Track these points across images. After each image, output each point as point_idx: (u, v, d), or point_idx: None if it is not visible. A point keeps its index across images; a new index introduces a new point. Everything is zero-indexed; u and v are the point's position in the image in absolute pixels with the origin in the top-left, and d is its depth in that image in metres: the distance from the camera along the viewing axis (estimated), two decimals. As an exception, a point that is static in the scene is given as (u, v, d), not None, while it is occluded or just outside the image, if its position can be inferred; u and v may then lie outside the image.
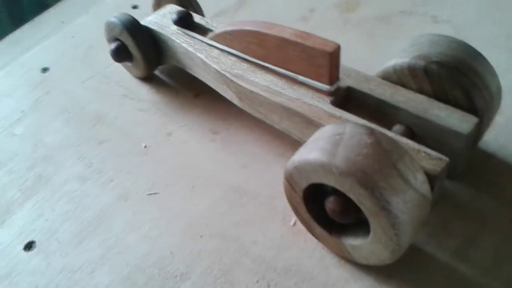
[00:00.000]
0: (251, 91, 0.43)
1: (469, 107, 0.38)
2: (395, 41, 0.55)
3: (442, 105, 0.38)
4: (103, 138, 0.49)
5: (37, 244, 0.41)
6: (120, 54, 0.51)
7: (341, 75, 0.42)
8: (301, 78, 0.42)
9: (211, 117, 0.50)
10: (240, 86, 0.44)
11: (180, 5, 0.54)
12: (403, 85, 0.41)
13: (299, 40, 0.40)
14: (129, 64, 0.54)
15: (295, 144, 0.39)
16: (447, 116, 0.38)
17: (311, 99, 0.41)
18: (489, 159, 0.44)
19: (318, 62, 0.39)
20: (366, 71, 0.42)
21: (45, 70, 0.58)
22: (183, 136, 0.49)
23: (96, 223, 0.42)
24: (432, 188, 0.34)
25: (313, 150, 0.34)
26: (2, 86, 0.57)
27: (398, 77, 0.41)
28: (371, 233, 0.33)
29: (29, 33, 0.66)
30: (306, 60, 0.40)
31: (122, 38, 0.51)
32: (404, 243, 0.33)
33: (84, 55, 0.60)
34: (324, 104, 0.40)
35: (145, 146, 0.48)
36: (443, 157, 0.35)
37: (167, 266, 0.39)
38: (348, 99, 0.42)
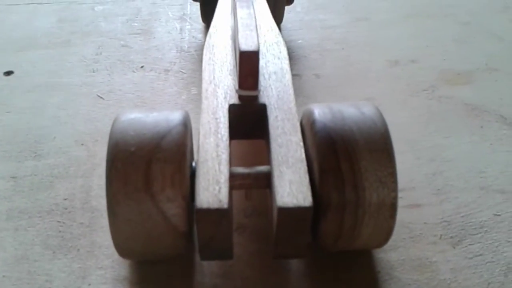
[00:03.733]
0: (203, 60, 0.42)
1: (318, 191, 0.30)
2: (457, 134, 0.46)
3: (302, 171, 0.31)
4: (129, 44, 0.55)
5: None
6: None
7: (274, 94, 0.37)
8: (235, 69, 0.39)
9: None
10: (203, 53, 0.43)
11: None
12: (303, 133, 0.34)
13: (240, 28, 0.37)
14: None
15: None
16: (287, 181, 0.30)
17: (222, 92, 0.37)
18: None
19: (237, 55, 0.36)
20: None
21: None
22: (172, 78, 0.51)
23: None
24: (196, 221, 0.29)
25: (133, 109, 0.33)
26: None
27: (304, 123, 0.34)
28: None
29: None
30: (238, 52, 0.37)
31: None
32: (123, 240, 0.30)
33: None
34: (222, 101, 0.37)
35: (141, 67, 0.52)
36: (225, 204, 0.29)
37: (43, 143, 0.43)
38: (262, 117, 0.37)
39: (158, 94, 0.49)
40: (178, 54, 0.54)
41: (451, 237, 0.37)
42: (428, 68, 0.53)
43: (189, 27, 0.58)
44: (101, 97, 0.48)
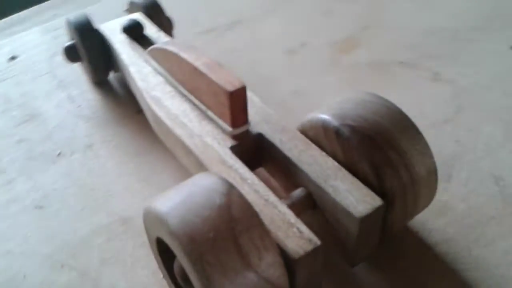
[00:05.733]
0: (159, 117, 0.38)
1: (378, 186, 0.31)
2: (382, 92, 0.48)
3: (348, 176, 0.32)
4: (25, 137, 0.47)
5: None
6: (70, 53, 0.49)
7: (259, 119, 0.37)
8: (209, 113, 0.37)
9: (142, 137, 0.46)
10: (152, 110, 0.39)
11: (146, 15, 0.51)
12: (318, 143, 0.34)
13: (206, 71, 0.35)
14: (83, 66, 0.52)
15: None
16: (346, 191, 0.31)
17: (212, 139, 0.35)
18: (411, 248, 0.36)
19: (221, 99, 0.34)
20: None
21: (13, 58, 0.58)
22: (102, 151, 0.45)
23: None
24: (293, 273, 0.28)
25: (162, 198, 0.29)
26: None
27: (314, 134, 0.34)
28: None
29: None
30: (213, 95, 0.35)
31: (75, 38, 0.49)
32: None
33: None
34: (222, 148, 0.35)
35: (58, 154, 0.45)
36: (316, 239, 0.28)
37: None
38: (260, 148, 0.36)
39: (103, 175, 0.43)
40: (88, 124, 0.48)
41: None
42: (319, 45, 0.57)
43: (76, 91, 0.52)
44: (41, 207, 0.40)
